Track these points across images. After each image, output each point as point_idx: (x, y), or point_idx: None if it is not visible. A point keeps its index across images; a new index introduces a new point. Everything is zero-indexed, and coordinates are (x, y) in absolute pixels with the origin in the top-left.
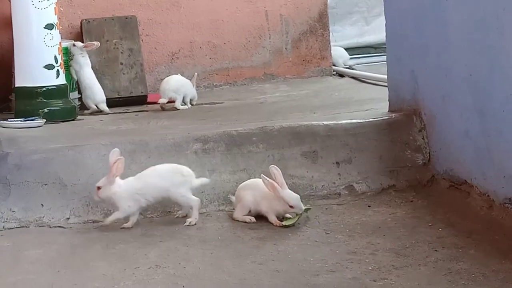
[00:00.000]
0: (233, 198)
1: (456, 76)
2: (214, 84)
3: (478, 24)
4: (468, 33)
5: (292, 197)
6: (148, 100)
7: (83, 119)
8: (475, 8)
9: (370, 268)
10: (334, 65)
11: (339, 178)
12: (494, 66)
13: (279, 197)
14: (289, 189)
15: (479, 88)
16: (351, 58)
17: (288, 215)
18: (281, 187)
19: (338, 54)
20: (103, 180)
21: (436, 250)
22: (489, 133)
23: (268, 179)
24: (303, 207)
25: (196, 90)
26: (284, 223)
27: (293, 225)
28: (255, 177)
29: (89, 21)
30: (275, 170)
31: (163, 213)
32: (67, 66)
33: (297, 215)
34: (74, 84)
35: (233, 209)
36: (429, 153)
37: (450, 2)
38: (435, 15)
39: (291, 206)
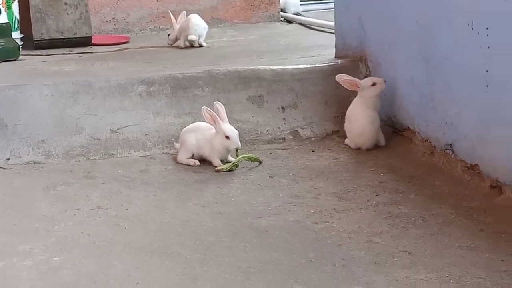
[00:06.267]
0: (176, 145)
1: (403, 23)
2: (161, 27)
3: None
4: None
5: (230, 128)
6: (93, 41)
7: (25, 60)
8: None
9: (312, 211)
10: (283, 11)
11: (284, 123)
12: (440, 13)
13: (218, 129)
14: None
15: (425, 35)
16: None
17: (231, 159)
18: (222, 121)
19: (291, 1)
20: None
21: (377, 194)
22: (433, 80)
23: (210, 110)
24: (240, 144)
25: (142, 33)
26: (218, 167)
27: (228, 170)
28: (200, 121)
29: None
30: (219, 106)
31: (106, 155)
32: (9, 5)
33: (233, 164)
34: (17, 23)
35: (177, 152)
36: None
37: None
38: None
39: (227, 137)
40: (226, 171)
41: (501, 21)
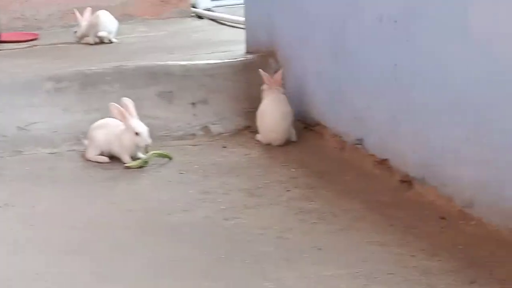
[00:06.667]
0: (85, 142)
1: (312, 18)
2: (71, 24)
3: None
4: None
5: (140, 124)
6: (1, 39)
7: None
8: None
9: (223, 207)
10: (194, 7)
11: (195, 119)
12: (349, 7)
13: (127, 125)
14: None
15: (334, 29)
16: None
17: (140, 155)
18: (132, 117)
19: None
20: None
21: (288, 190)
22: (342, 75)
23: (118, 106)
24: (150, 140)
25: (52, 30)
26: (128, 164)
27: (138, 167)
28: (109, 117)
29: None
30: (127, 102)
31: (13, 152)
32: None
33: (143, 160)
34: None
35: (86, 149)
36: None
37: None
38: None
39: (136, 133)
40: (136, 168)
41: (409, 14)
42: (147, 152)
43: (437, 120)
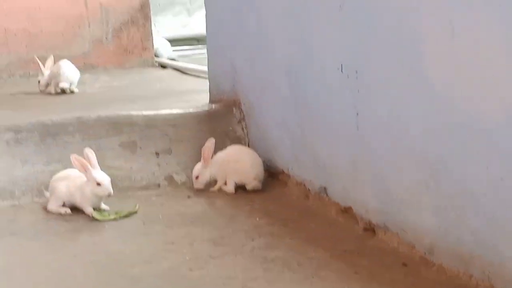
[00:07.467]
0: (46, 194)
1: (274, 67)
2: (31, 73)
3: (292, 16)
4: (284, 25)
5: (101, 174)
6: None
7: None
8: (289, 1)
9: (187, 258)
10: (157, 56)
11: (159, 169)
12: (310, 56)
13: (89, 176)
14: None
15: (295, 78)
16: (174, 50)
17: (104, 206)
18: (93, 168)
19: (162, 46)
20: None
21: (252, 239)
22: (304, 123)
23: (79, 157)
24: (111, 191)
25: (11, 79)
26: (96, 215)
27: (104, 220)
28: (70, 168)
29: None
30: (88, 152)
31: None
32: None
33: (109, 215)
34: None
35: (48, 201)
36: (248, 143)
37: None
38: (253, 6)
39: (98, 184)
40: (93, 218)
41: (369, 64)
42: (116, 213)
43: (397, 168)
